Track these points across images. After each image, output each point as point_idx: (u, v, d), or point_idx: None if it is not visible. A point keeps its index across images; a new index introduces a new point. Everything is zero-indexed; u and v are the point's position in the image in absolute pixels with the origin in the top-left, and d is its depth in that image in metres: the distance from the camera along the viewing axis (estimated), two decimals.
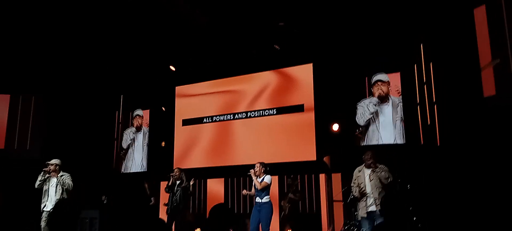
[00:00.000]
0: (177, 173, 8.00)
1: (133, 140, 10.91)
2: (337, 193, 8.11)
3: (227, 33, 9.15)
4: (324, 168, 8.54)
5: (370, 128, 8.33)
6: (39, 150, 10.03)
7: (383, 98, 8.33)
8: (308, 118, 8.89)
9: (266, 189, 6.50)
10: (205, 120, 10.08)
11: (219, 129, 9.84)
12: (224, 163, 9.53)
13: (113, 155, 10.94)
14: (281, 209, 8.49)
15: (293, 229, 8.03)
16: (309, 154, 8.66)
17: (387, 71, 8.39)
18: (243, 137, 9.51)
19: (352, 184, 5.92)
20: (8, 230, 9.03)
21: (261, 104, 9.48)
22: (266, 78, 9.58)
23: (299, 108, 9.06)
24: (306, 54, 9.20)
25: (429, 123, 7.73)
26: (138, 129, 10.91)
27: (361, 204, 5.69)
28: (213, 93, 10.12)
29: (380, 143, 8.12)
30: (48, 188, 6.88)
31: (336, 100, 8.67)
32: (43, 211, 6.82)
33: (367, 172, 5.69)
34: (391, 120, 8.13)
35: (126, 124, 11.11)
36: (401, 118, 8.06)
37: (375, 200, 5.49)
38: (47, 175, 6.88)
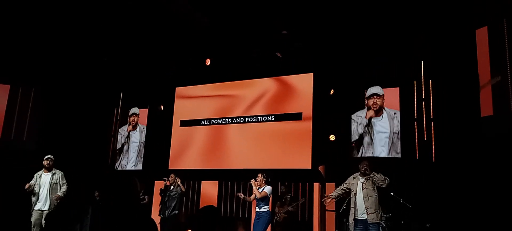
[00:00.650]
0: (171, 179, 8.00)
1: (128, 138, 10.91)
2: (330, 203, 8.10)
3: (229, 37, 9.21)
4: (318, 177, 8.55)
5: (365, 140, 8.36)
6: (35, 142, 10.04)
7: (378, 111, 8.38)
8: (306, 126, 8.93)
9: (265, 199, 6.64)
10: (203, 122, 10.11)
11: (217, 132, 9.86)
12: (219, 166, 9.54)
13: (109, 152, 10.94)
14: (275, 215, 8.50)
15: None
16: (304, 162, 8.69)
17: (387, 86, 8.44)
18: (239, 141, 9.53)
19: (340, 187, 6.03)
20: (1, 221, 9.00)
21: (260, 110, 9.51)
22: (266, 85, 9.63)
23: (297, 116, 9.09)
24: (307, 64, 9.26)
25: (425, 138, 7.77)
26: (134, 127, 10.93)
27: (351, 211, 5.73)
28: (212, 96, 10.15)
29: (375, 155, 8.15)
30: (40, 186, 6.91)
31: (334, 111, 8.71)
32: (38, 210, 6.86)
33: (361, 180, 5.72)
34: (387, 132, 8.16)
35: (124, 121, 11.12)
36: (397, 131, 8.09)
37: (366, 209, 5.52)
38: (40, 173, 6.96)
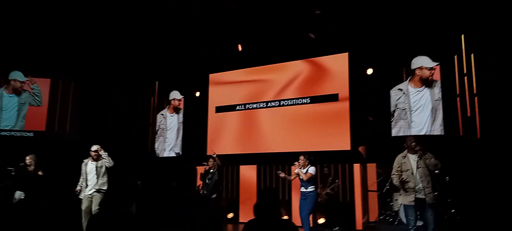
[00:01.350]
0: (210, 163, 8.09)
1: (165, 122, 11.10)
2: (372, 183, 8.05)
3: (259, 20, 9.16)
4: (358, 157, 8.47)
5: (405, 113, 8.18)
6: (78, 133, 10.36)
7: (424, 82, 8.14)
8: (343, 107, 8.83)
9: (311, 179, 6.67)
10: (238, 108, 10.15)
11: (252, 116, 9.89)
12: (257, 150, 9.59)
13: (148, 139, 11.17)
14: (319, 197, 8.53)
15: (327, 218, 8.03)
16: (343, 143, 8.61)
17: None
18: (276, 125, 9.53)
19: (393, 173, 5.53)
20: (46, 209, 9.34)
21: (295, 93, 9.47)
22: (300, 67, 9.55)
23: (333, 97, 9.00)
24: (341, 43, 9.11)
25: (469, 114, 7.56)
26: (176, 110, 11.09)
27: (407, 192, 5.33)
28: (246, 81, 10.16)
29: (412, 129, 7.98)
30: (86, 173, 7.13)
31: (371, 91, 8.58)
32: (88, 195, 7.09)
33: (414, 158, 5.38)
34: (429, 102, 7.97)
35: (161, 109, 11.32)
36: (440, 98, 7.88)
37: (424, 188, 5.24)
38: (87, 161, 7.20)
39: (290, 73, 9.64)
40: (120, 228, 3.13)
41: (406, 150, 5.49)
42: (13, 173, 7.49)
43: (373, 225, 8.03)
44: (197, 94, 10.89)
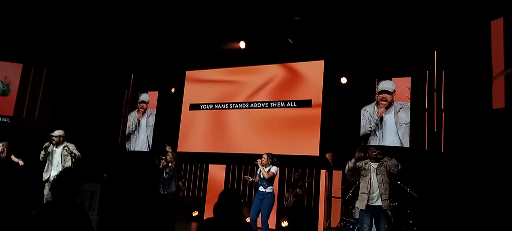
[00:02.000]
0: (169, 157, 8.00)
1: (138, 124, 11.00)
2: (336, 190, 8.13)
3: (240, 22, 9.17)
4: (326, 164, 8.55)
5: (372, 138, 8.32)
6: (47, 121, 10.16)
7: (387, 107, 8.31)
8: (315, 113, 8.91)
9: (271, 179, 6.55)
10: (212, 106, 10.14)
11: (226, 116, 9.89)
12: (227, 150, 9.59)
13: (119, 132, 11.04)
14: (285, 200, 8.57)
15: (290, 221, 8.07)
16: (312, 149, 8.68)
17: (398, 75, 8.35)
18: (248, 126, 9.56)
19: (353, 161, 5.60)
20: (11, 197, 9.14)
21: (270, 95, 9.52)
22: (277, 71, 9.61)
23: (306, 103, 9.07)
24: (318, 51, 9.20)
25: (435, 129, 7.71)
26: (143, 113, 11.01)
27: (362, 197, 5.43)
28: (222, 81, 10.17)
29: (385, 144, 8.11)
30: (52, 158, 6.97)
31: (344, 99, 8.68)
32: (49, 180, 6.88)
33: (374, 165, 5.49)
34: (393, 126, 8.11)
35: (134, 103, 11.19)
36: (406, 122, 8.02)
37: (381, 195, 5.32)
38: (51, 147, 6.96)
39: (266, 76, 9.69)
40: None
41: (369, 159, 5.57)
42: None
43: None
44: (173, 90, 10.82)
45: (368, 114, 8.43)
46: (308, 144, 8.75)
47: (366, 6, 7.97)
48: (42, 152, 6.95)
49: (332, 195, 8.29)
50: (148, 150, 10.52)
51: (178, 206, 8.44)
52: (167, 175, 7.89)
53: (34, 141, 9.09)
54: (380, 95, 8.38)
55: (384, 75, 8.51)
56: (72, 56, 10.60)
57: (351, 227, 7.24)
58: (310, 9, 8.49)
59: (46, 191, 6.89)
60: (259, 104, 9.59)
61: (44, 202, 6.72)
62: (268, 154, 6.70)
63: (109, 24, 9.68)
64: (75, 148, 7.07)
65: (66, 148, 6.88)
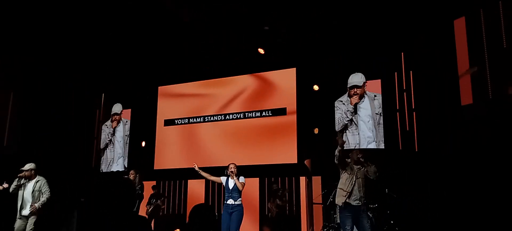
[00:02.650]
0: (131, 176, 7.84)
1: (113, 132, 10.79)
2: (317, 196, 8.19)
3: (211, 34, 9.18)
4: (304, 170, 8.62)
5: (349, 129, 8.44)
6: (16, 146, 9.82)
7: (360, 97, 8.46)
8: (290, 121, 8.99)
9: (240, 191, 6.33)
10: (187, 121, 10.07)
11: (202, 129, 9.84)
12: (205, 164, 9.47)
13: (92, 154, 10.80)
14: (267, 211, 8.58)
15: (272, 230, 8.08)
16: (290, 156, 8.75)
17: (368, 78, 8.53)
18: (225, 138, 9.54)
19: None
20: None
21: (244, 106, 9.54)
22: (249, 81, 9.65)
23: (281, 111, 9.15)
24: (289, 59, 9.30)
25: (408, 129, 7.91)
26: (118, 123, 10.81)
27: (341, 193, 5.52)
28: (195, 95, 10.12)
29: (361, 145, 8.24)
30: (23, 193, 6.73)
31: (318, 104, 8.79)
32: (21, 216, 6.63)
33: (355, 168, 5.61)
34: (370, 114, 8.26)
35: (107, 117, 10.98)
36: (379, 112, 8.19)
37: (360, 198, 5.45)
38: (23, 181, 6.74)
39: (238, 87, 9.72)
40: None
41: (350, 162, 5.69)
42: None
43: None
44: (145, 106, 10.67)
45: (342, 105, 8.53)
46: (286, 152, 8.81)
47: (333, 12, 8.13)
48: (14, 184, 6.71)
49: (313, 201, 8.35)
50: (124, 169, 10.33)
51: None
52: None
53: (5, 168, 8.78)
54: (352, 90, 8.51)
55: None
56: (39, 79, 10.29)
57: None
58: (279, 18, 8.60)
59: (17, 224, 6.66)
60: (234, 116, 9.60)
61: None
62: (234, 164, 6.48)
63: (76, 43, 9.50)
64: (46, 184, 6.83)
65: (33, 206, 6.63)
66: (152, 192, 9.44)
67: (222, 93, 9.83)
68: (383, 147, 7.97)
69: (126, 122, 10.72)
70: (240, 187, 6.31)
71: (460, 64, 7.25)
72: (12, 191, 6.70)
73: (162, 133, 10.29)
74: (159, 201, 9.27)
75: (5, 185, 7.01)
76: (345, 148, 5.77)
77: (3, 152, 9.82)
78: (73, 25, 8.81)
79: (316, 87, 8.91)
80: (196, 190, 9.55)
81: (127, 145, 10.52)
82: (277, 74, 9.43)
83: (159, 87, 10.61)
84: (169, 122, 10.27)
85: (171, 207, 9.62)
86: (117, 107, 10.88)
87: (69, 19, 8.59)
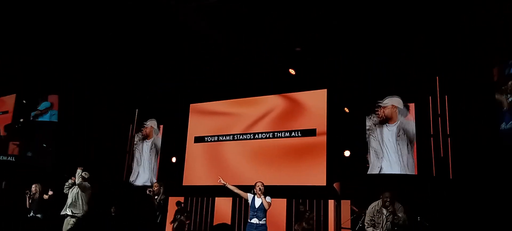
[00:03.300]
0: (155, 188, 7.90)
1: (141, 148, 11.00)
2: (346, 221, 8.02)
3: (243, 54, 9.28)
4: (333, 194, 8.47)
5: (374, 149, 8.30)
6: (50, 160, 10.13)
7: (386, 120, 8.34)
8: (320, 142, 8.88)
9: (265, 211, 6.27)
10: (217, 138, 10.13)
11: (230, 147, 9.88)
12: (233, 182, 9.43)
13: (124, 167, 11.00)
14: None
15: None
16: (319, 179, 8.62)
17: (402, 101, 8.37)
18: (254, 157, 9.52)
19: (367, 221, 6.01)
20: None
21: (274, 126, 9.52)
22: (280, 101, 9.65)
23: (311, 132, 9.06)
24: (320, 80, 9.25)
25: (442, 155, 7.67)
26: (145, 137, 11.01)
27: None
28: (226, 113, 10.19)
29: (383, 171, 8.08)
30: (70, 194, 7.21)
31: (348, 127, 8.67)
32: (66, 215, 7.10)
33: (384, 212, 5.79)
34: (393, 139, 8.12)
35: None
36: (407, 142, 8.01)
37: None
38: (72, 184, 7.26)
39: (269, 107, 9.73)
40: None
41: (380, 201, 5.69)
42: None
43: None
44: (177, 123, 10.82)
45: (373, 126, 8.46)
46: (314, 174, 8.69)
47: (367, 34, 8.06)
48: (67, 184, 7.24)
49: (342, 226, 8.17)
50: (150, 183, 10.47)
51: None
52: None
53: (38, 180, 9.08)
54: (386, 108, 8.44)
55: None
56: (76, 92, 10.66)
57: None
58: (311, 39, 8.60)
59: (66, 226, 6.97)
60: (263, 135, 9.59)
61: None
62: (261, 182, 6.43)
63: (114, 59, 9.80)
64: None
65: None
66: (176, 208, 9.51)
67: (252, 113, 9.86)
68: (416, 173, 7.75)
69: (157, 140, 10.88)
70: (266, 206, 6.24)
71: None
72: (65, 192, 7.26)
73: (192, 149, 10.39)
74: (183, 217, 9.31)
75: (51, 193, 7.66)
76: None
77: (38, 164, 10.16)
78: (109, 42, 9.10)
79: (347, 110, 8.80)
80: (223, 207, 9.54)
81: (153, 159, 10.66)
82: (308, 95, 9.39)
83: (191, 104, 10.75)
84: (199, 139, 10.37)
85: (198, 224, 9.63)
86: (151, 122, 11.11)
87: (107, 35, 8.89)
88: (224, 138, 10.04)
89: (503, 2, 6.73)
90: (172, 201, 9.49)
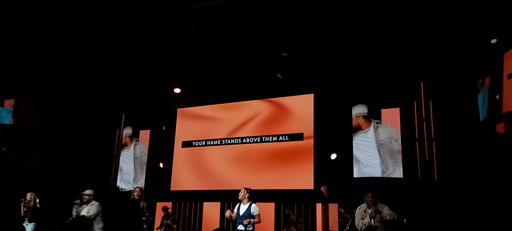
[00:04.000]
0: (135, 194, 7.87)
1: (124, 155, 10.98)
2: (333, 224, 8.09)
3: (230, 59, 9.32)
4: (321, 197, 8.55)
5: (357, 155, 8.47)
6: (37, 163, 10.00)
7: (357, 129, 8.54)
8: (307, 147, 8.96)
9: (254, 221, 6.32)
10: (205, 143, 10.14)
11: (219, 152, 9.89)
12: (221, 186, 9.52)
13: (111, 173, 10.92)
14: None
15: None
16: (306, 182, 8.70)
17: (387, 106, 8.51)
18: (241, 162, 9.55)
19: (358, 221, 6.15)
20: None
21: (261, 130, 9.56)
22: (267, 106, 9.71)
23: (298, 137, 9.14)
24: (307, 85, 9.35)
25: (427, 158, 7.81)
26: (123, 146, 11.01)
27: None
28: (214, 117, 10.21)
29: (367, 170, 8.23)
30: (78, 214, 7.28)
31: (335, 131, 8.77)
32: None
33: (369, 212, 5.93)
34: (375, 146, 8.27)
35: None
36: (381, 142, 8.17)
37: None
38: (81, 205, 7.34)
39: (256, 111, 9.78)
40: None
41: (365, 203, 5.81)
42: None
43: None
44: (164, 128, 10.79)
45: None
46: (302, 178, 8.77)
47: (351, 40, 8.17)
48: (74, 210, 7.35)
49: (330, 229, 8.25)
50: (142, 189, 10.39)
51: None
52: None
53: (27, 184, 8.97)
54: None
55: (373, 106, 8.66)
56: (61, 96, 10.53)
57: None
58: (298, 44, 8.69)
59: None
60: (251, 139, 9.63)
61: None
62: (245, 188, 6.46)
63: (96, 64, 9.72)
64: (96, 207, 7.24)
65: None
66: (162, 213, 9.48)
67: (240, 117, 9.89)
68: (399, 176, 7.88)
69: (136, 142, 10.85)
70: (259, 221, 6.32)
71: None
72: (75, 216, 7.32)
73: (180, 154, 10.37)
74: (169, 221, 9.27)
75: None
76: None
77: (24, 168, 10.02)
78: (93, 45, 9.02)
79: (333, 157, 8.88)
80: (211, 213, 9.53)
81: (140, 165, 10.62)
82: (295, 100, 9.47)
83: (178, 109, 10.74)
84: (186, 144, 10.35)
85: (186, 229, 9.60)
86: (127, 130, 11.08)
87: (89, 39, 8.81)
88: (212, 143, 10.05)
89: (488, 7, 6.90)
90: (159, 207, 9.47)
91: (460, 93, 7.62)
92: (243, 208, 6.33)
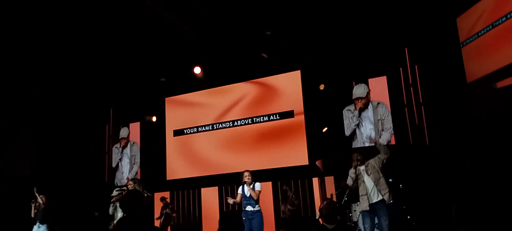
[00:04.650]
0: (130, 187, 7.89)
1: (122, 151, 10.92)
2: (331, 195, 8.24)
3: (215, 44, 9.25)
4: (316, 171, 8.68)
5: (357, 132, 8.56)
6: (29, 166, 9.90)
7: (363, 109, 8.57)
8: (299, 123, 9.04)
9: (258, 197, 6.35)
10: (196, 130, 10.14)
11: (211, 137, 9.91)
12: (217, 171, 9.58)
13: (105, 169, 10.88)
14: (282, 213, 8.64)
15: None
16: (301, 158, 8.81)
17: (374, 75, 8.59)
18: (235, 144, 9.60)
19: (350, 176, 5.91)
20: None
21: (252, 111, 9.60)
22: (256, 86, 9.72)
23: (289, 114, 9.21)
24: (293, 61, 9.37)
25: (417, 123, 7.96)
26: (125, 145, 10.94)
27: (363, 199, 5.70)
28: (203, 103, 10.19)
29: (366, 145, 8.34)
30: (115, 211, 7.10)
31: (325, 105, 8.85)
32: None
33: (362, 168, 5.81)
34: (372, 121, 8.37)
35: (117, 136, 11.07)
36: (383, 118, 8.28)
37: (379, 191, 5.59)
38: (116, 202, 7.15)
39: (244, 93, 9.80)
40: None
41: (354, 165, 5.82)
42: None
43: None
44: (154, 119, 10.74)
45: (349, 113, 8.66)
46: (296, 154, 8.87)
47: (333, 12, 8.18)
48: (111, 207, 7.13)
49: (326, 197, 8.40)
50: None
51: None
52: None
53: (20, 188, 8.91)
54: (356, 101, 8.63)
55: (359, 77, 8.74)
56: (47, 98, 10.37)
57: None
58: (280, 21, 8.66)
59: None
60: (242, 122, 9.67)
61: None
62: (249, 171, 6.45)
63: (81, 61, 9.57)
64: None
65: None
66: (161, 204, 9.54)
67: (229, 100, 9.90)
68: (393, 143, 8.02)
69: (133, 143, 10.81)
70: (254, 196, 6.27)
71: None
72: (111, 212, 7.13)
73: (172, 143, 10.36)
74: (167, 210, 9.34)
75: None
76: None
77: (16, 172, 9.89)
78: (78, 40, 8.86)
79: (322, 87, 8.95)
80: (210, 198, 9.61)
81: (135, 165, 10.60)
82: (282, 78, 9.50)
83: (166, 98, 10.68)
84: (178, 132, 10.34)
85: (186, 216, 9.68)
86: (123, 132, 11.00)
87: (75, 34, 8.64)
88: (203, 128, 10.05)
89: None
90: (157, 197, 9.51)
91: (445, 56, 7.72)
92: (247, 189, 6.37)
